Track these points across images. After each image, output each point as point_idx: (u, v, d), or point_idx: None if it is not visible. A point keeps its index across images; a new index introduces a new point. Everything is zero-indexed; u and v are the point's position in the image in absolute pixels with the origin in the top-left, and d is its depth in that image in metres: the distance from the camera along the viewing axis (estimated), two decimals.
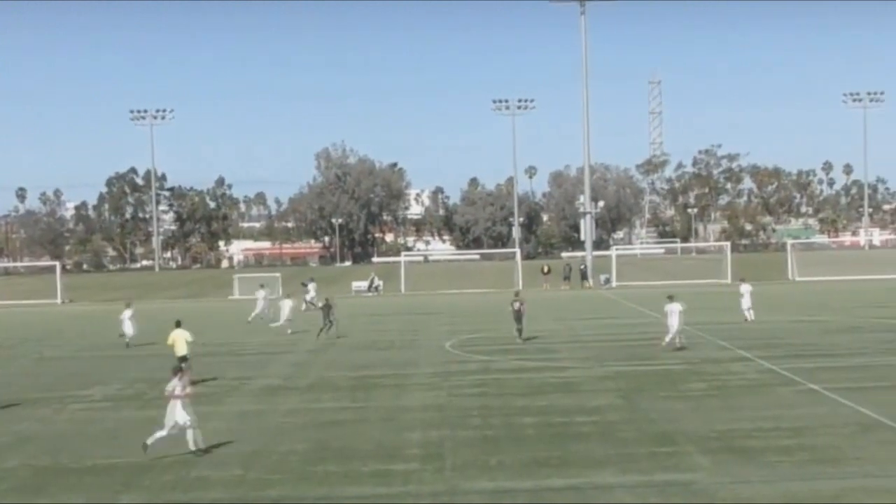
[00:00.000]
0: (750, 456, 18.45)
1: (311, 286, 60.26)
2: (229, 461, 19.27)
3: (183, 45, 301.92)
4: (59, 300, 72.87)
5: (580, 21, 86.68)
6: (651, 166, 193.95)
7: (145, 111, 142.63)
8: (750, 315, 43.72)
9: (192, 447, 19.72)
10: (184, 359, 29.13)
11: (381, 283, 76.27)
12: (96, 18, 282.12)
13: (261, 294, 51.69)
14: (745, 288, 44.66)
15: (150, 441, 19.60)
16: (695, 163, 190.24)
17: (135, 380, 30.91)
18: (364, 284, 76.71)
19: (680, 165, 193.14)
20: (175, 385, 19.77)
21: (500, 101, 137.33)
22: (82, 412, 25.59)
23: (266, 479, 17.83)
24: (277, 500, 16.65)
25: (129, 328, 40.01)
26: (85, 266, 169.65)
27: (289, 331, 43.73)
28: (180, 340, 30.12)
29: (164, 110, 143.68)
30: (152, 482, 17.89)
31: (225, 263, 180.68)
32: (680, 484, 16.77)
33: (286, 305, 45.38)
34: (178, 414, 19.62)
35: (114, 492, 17.35)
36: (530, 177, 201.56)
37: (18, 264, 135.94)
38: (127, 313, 40.32)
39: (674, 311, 34.42)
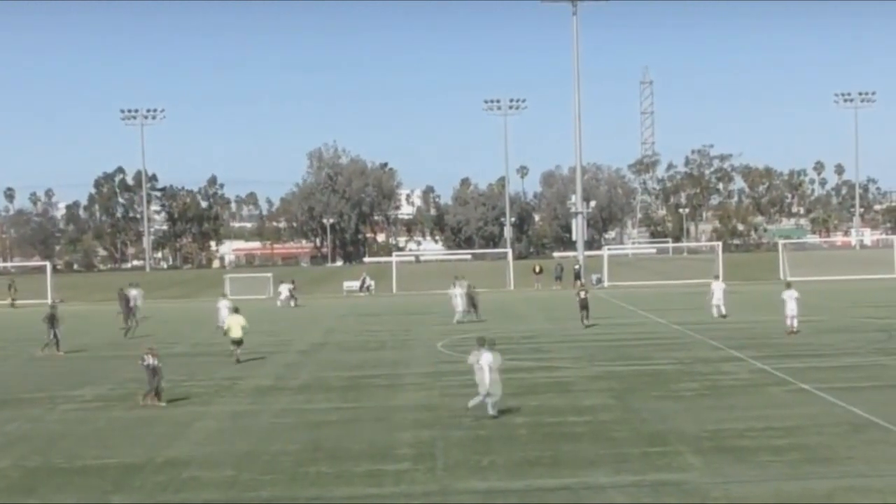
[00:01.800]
0: (742, 455, 18.46)
1: (284, 287, 63.86)
2: (221, 462, 19.23)
3: (174, 44, 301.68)
4: (49, 300, 72.59)
5: (572, 21, 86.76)
6: (643, 166, 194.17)
7: (136, 111, 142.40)
8: (715, 311, 45.27)
9: (490, 412, 22.19)
10: (239, 342, 33.18)
11: (372, 283, 76.15)
12: (86, 18, 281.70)
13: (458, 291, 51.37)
14: (718, 286, 46.46)
15: (470, 404, 22.35)
16: (686, 163, 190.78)
17: (126, 380, 30.75)
18: (355, 284, 76.59)
19: (671, 165, 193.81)
20: (481, 356, 22.18)
21: (492, 101, 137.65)
22: (73, 412, 25.49)
23: (258, 480, 17.79)
24: (269, 501, 16.61)
25: (224, 317, 41.24)
26: (76, 266, 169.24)
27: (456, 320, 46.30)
28: (235, 325, 33.40)
29: (155, 110, 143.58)
30: (143, 483, 17.84)
31: (216, 263, 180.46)
32: (672, 484, 16.77)
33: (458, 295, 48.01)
34: (487, 382, 22.11)
35: (105, 492, 17.29)
36: (522, 177, 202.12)
37: (8, 264, 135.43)
38: (224, 303, 42.12)
39: (790, 297, 37.22)
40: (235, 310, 35.50)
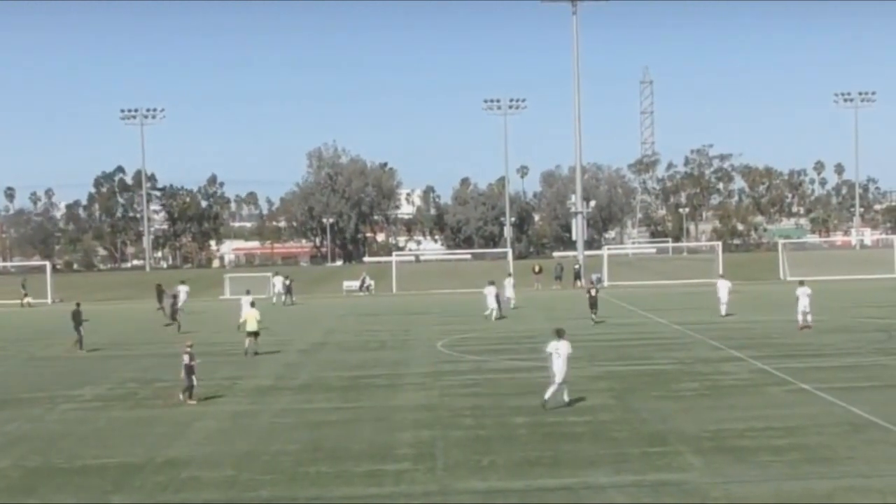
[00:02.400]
0: (742, 455, 18.46)
1: (278, 280, 66.45)
2: (221, 461, 19.23)
3: (174, 44, 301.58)
4: (49, 300, 72.61)
5: (572, 21, 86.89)
6: (642, 166, 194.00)
7: (136, 111, 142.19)
8: (724, 308, 46.29)
9: (566, 399, 23.55)
10: (255, 333, 35.28)
11: (372, 282, 76.14)
12: (86, 18, 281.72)
13: (491, 291, 51.40)
14: (723, 283, 47.70)
15: (546, 397, 23.38)
16: (686, 162, 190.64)
17: (125, 380, 30.82)
18: (355, 284, 76.63)
19: (671, 165, 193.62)
20: (559, 345, 23.44)
21: (492, 101, 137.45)
22: (73, 412, 25.49)
23: (258, 480, 17.78)
24: (269, 501, 16.61)
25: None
26: (75, 266, 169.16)
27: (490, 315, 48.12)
28: (251, 319, 35.63)
29: (155, 110, 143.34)
30: (143, 482, 17.84)
31: (216, 263, 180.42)
32: (672, 484, 16.77)
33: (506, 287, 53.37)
34: (560, 371, 23.37)
35: (104, 492, 17.28)
36: (522, 176, 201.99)
37: (8, 264, 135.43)
38: (246, 299, 43.16)
39: (803, 294, 39.22)
40: (252, 304, 38.54)
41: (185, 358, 25.87)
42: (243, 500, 16.70)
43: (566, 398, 23.58)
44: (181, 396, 25.85)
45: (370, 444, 20.37)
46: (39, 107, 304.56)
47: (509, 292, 55.47)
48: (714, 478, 17.05)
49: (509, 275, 57.58)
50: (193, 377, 25.82)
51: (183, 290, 56.58)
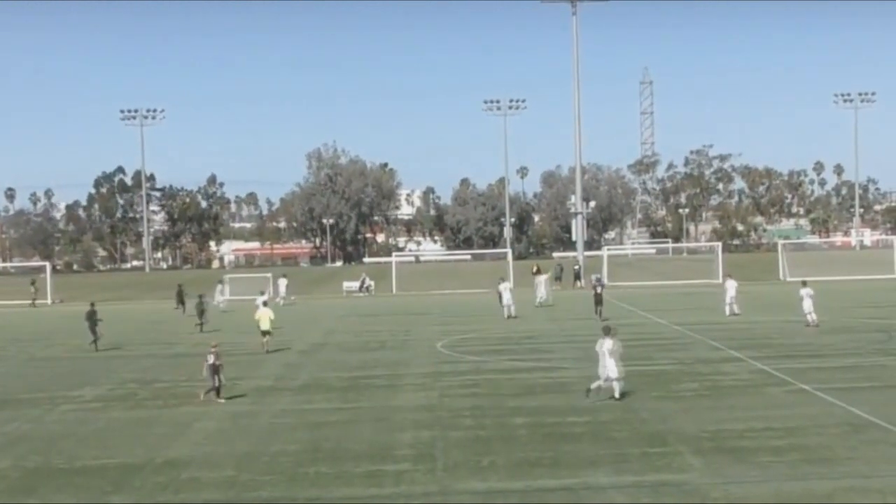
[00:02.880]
0: (742, 456, 18.45)
1: (282, 282, 67.22)
2: (221, 462, 19.22)
3: (174, 44, 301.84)
4: (49, 300, 72.61)
5: (571, 21, 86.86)
6: (642, 166, 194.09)
7: (136, 111, 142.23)
8: (728, 310, 46.64)
9: (616, 395, 24.04)
10: (267, 332, 36.63)
11: (372, 283, 76.18)
12: (86, 18, 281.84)
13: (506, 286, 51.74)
14: (731, 283, 47.87)
15: (592, 386, 24.04)
16: (686, 163, 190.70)
17: (125, 380, 30.80)
18: (355, 285, 76.67)
19: (671, 166, 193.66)
20: (608, 343, 23.99)
21: (492, 102, 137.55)
22: (73, 413, 25.47)
23: (257, 480, 17.77)
24: (269, 501, 16.60)
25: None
26: (75, 266, 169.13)
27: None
28: (264, 318, 36.95)
29: (155, 110, 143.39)
30: (143, 483, 17.83)
31: (216, 264, 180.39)
32: (672, 484, 16.76)
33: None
34: (611, 368, 23.91)
35: (104, 493, 17.28)
36: (522, 177, 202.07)
37: (8, 264, 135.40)
38: (261, 299, 43.90)
39: (806, 295, 40.28)
40: (265, 303, 39.76)
41: (210, 358, 25.88)
42: (243, 500, 16.69)
43: (616, 394, 24.19)
44: (202, 396, 25.91)
45: (370, 444, 20.36)
46: (39, 107, 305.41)
47: (542, 290, 56.53)
48: (714, 478, 17.04)
49: (534, 273, 59.76)
50: (217, 377, 25.83)
51: (219, 287, 60.69)
